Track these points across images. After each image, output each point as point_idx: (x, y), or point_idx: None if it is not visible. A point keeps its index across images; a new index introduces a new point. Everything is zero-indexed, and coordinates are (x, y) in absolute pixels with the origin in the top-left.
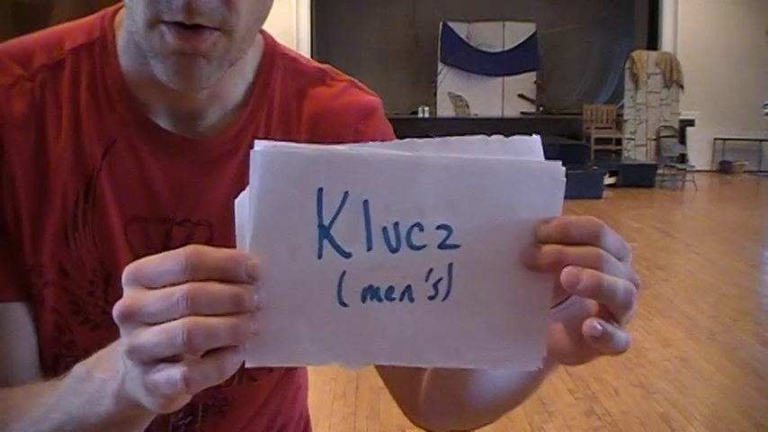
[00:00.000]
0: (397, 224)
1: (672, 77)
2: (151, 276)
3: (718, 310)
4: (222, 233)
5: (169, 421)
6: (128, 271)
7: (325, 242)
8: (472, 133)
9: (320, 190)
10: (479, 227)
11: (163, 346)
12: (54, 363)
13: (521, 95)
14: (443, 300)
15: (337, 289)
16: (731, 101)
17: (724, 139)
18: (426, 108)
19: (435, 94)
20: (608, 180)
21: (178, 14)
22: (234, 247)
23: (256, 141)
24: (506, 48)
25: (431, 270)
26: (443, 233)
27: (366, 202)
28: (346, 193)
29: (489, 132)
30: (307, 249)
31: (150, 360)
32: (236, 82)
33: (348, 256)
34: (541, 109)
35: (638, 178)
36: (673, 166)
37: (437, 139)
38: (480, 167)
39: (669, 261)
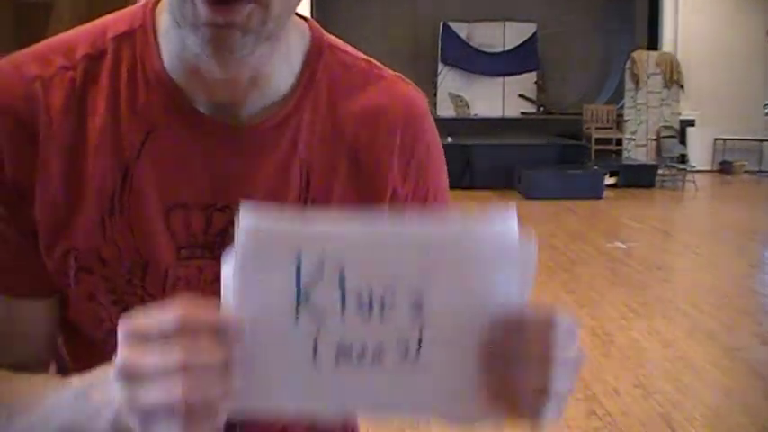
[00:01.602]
0: (371, 291)
1: (672, 78)
2: (146, 334)
3: (719, 311)
4: None
5: None
6: (122, 328)
7: (302, 307)
8: (474, 133)
9: (299, 258)
10: (450, 297)
11: (162, 411)
12: (103, 345)
13: (521, 95)
14: (413, 362)
15: (313, 350)
16: (731, 101)
17: (724, 140)
18: None
19: (435, 94)
20: (608, 180)
21: None
22: None
23: (242, 209)
24: (507, 48)
25: (402, 334)
26: (416, 300)
27: (342, 269)
28: (323, 261)
29: (491, 131)
30: (285, 312)
31: (149, 415)
32: (281, 71)
33: (323, 320)
34: (542, 109)
35: (639, 178)
36: (673, 167)
37: (413, 216)
38: (455, 240)
39: (669, 261)
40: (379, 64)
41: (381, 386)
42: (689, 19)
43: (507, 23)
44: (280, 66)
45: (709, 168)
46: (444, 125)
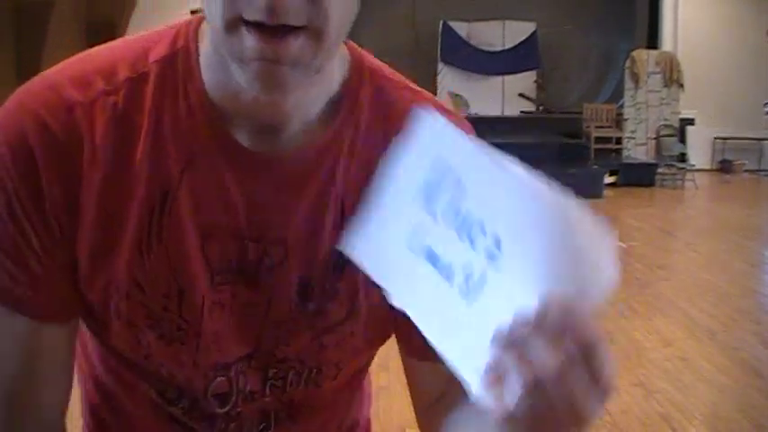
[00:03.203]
0: (469, 213)
1: (672, 77)
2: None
3: (719, 310)
4: (297, 252)
5: (243, 430)
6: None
7: (420, 194)
8: (474, 132)
9: (439, 155)
10: (527, 262)
11: None
12: (131, 366)
13: (521, 95)
14: (468, 304)
15: (409, 234)
16: (731, 100)
17: (724, 139)
18: None
19: (435, 94)
20: (608, 179)
21: (259, 14)
22: (309, 261)
23: (422, 110)
24: (506, 47)
25: (470, 265)
26: (496, 241)
27: (459, 181)
28: (451, 168)
29: (491, 130)
30: (407, 190)
31: None
32: (319, 93)
33: (424, 214)
34: (541, 108)
35: (639, 177)
36: (673, 165)
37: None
38: (557, 214)
39: (669, 260)
40: (422, 91)
41: (439, 301)
42: (689, 18)
43: (507, 22)
44: (321, 88)
45: (708, 167)
46: None
